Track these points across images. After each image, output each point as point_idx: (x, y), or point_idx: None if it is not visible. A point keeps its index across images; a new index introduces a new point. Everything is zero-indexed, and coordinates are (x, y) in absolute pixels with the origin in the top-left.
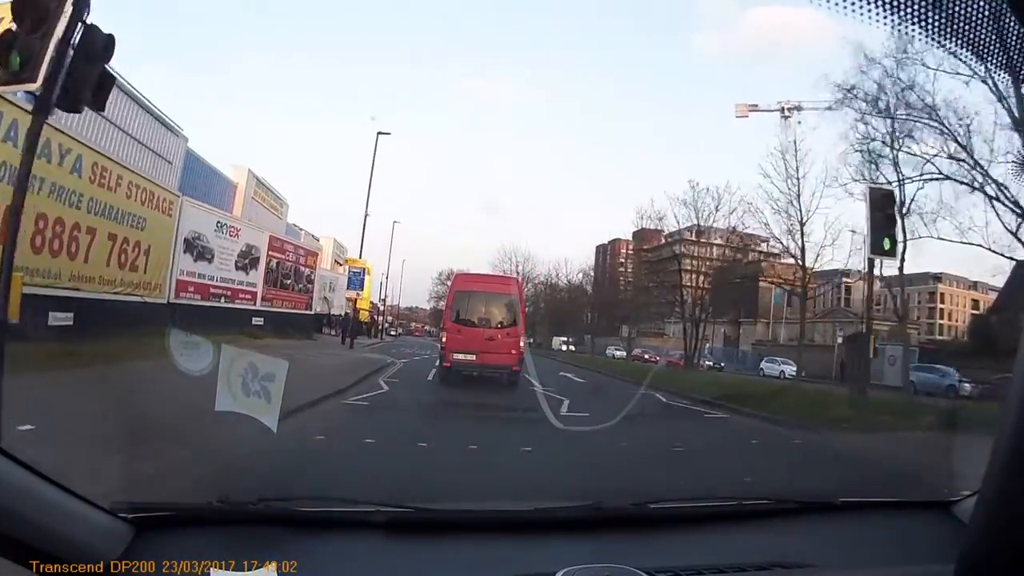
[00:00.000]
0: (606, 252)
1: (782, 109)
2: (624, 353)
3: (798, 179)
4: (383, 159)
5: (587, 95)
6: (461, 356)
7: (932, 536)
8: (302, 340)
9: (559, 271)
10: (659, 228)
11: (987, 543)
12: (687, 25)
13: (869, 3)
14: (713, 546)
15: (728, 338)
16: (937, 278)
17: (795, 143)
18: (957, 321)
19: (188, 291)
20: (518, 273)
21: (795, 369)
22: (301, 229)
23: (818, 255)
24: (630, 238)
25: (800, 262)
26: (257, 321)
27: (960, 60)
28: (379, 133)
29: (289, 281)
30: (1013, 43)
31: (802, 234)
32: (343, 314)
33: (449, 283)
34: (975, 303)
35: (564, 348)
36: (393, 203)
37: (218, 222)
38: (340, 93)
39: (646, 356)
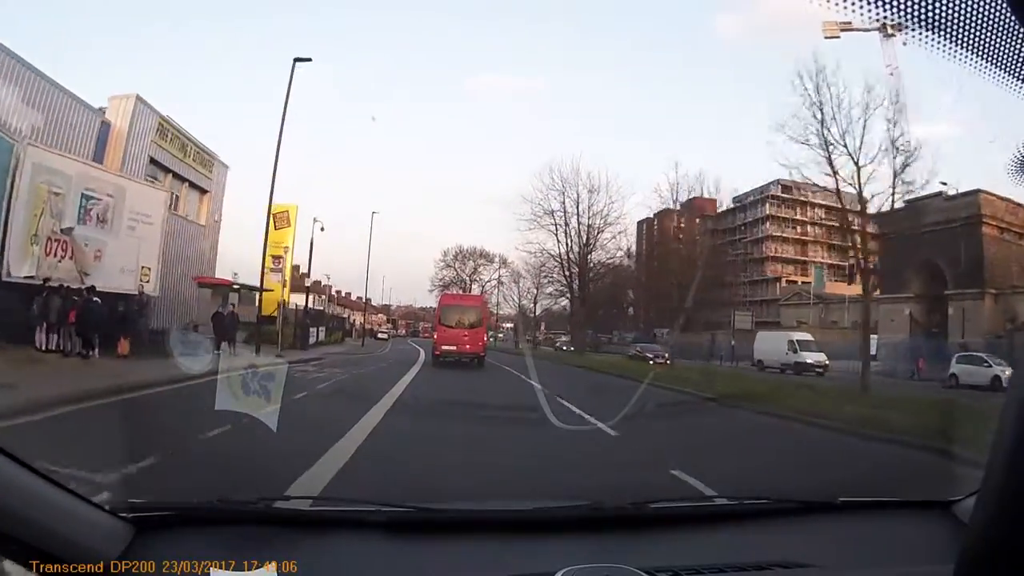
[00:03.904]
0: (652, 228)
1: (883, 26)
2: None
3: None
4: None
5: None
6: (447, 347)
7: (932, 536)
8: None
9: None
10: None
11: (987, 543)
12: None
13: (869, 1)
14: (713, 546)
15: (916, 322)
16: None
17: None
18: None
19: None
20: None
21: None
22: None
23: None
24: (677, 211)
25: None
26: None
27: (965, 63)
28: None
29: None
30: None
31: None
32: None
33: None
34: None
35: (811, 356)
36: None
37: None
38: None
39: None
